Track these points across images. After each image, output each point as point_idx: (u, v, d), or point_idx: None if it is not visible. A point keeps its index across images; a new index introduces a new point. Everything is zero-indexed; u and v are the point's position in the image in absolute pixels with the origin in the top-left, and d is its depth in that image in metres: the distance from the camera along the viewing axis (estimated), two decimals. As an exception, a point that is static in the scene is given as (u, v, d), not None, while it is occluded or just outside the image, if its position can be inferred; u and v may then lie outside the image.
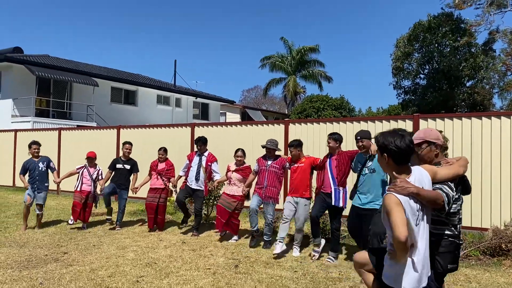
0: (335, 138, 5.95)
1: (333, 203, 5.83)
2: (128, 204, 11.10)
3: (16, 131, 15.41)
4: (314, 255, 6.03)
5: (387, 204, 2.51)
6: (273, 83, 39.56)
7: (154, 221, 7.95)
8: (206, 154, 7.63)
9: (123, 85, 25.73)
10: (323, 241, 6.14)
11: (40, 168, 8.07)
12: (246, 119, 33.99)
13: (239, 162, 7.20)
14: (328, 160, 5.98)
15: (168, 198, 8.11)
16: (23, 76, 20.58)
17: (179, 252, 6.39)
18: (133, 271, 5.36)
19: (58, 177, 8.43)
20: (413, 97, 29.45)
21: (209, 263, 5.78)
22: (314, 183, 6.33)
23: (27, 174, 8.11)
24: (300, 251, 6.35)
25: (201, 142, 7.60)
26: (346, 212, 5.95)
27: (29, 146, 8.20)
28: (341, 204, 5.86)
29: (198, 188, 7.50)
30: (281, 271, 5.43)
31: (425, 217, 2.65)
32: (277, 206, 7.93)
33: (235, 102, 35.35)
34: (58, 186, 8.39)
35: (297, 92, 43.40)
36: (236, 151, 7.27)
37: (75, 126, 17.29)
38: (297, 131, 9.40)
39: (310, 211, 6.18)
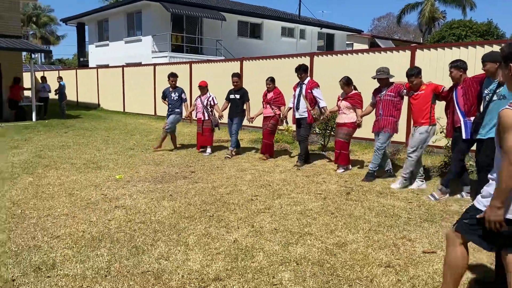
0: (458, 65, 5.29)
1: (464, 137, 5.28)
2: (249, 133, 11.71)
3: (154, 65, 16.98)
4: (436, 197, 5.42)
5: (505, 121, 2.18)
6: (407, 9, 36.18)
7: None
8: (306, 81, 7.49)
9: (249, 18, 26.09)
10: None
11: (172, 97, 9.00)
12: (374, 50, 32.05)
13: (345, 90, 6.96)
14: (453, 91, 5.39)
15: (278, 125, 8.18)
16: (159, 13, 22.19)
17: (293, 177, 6.62)
18: (249, 190, 5.75)
19: (187, 108, 9.21)
20: None
21: (321, 188, 5.90)
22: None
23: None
24: (405, 185, 5.93)
25: (302, 70, 7.45)
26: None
27: (168, 78, 9.12)
28: (474, 136, 5.28)
29: (301, 116, 7.48)
30: (395, 201, 5.29)
31: None
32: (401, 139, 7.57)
33: (362, 31, 33.36)
34: (189, 118, 9.28)
35: (435, 18, 39.06)
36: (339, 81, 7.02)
37: (205, 60, 18.34)
38: (425, 58, 8.56)
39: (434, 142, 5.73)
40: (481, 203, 2.42)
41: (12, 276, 3.18)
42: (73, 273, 3.25)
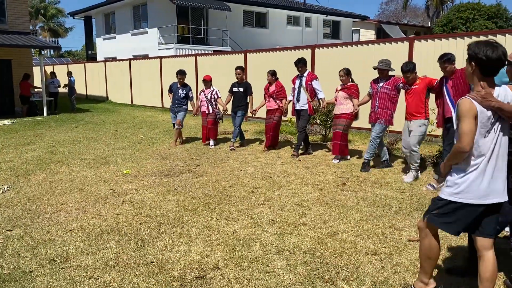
0: (450, 59, 5.44)
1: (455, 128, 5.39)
2: (254, 124, 11.97)
3: (160, 58, 17.22)
4: (434, 187, 5.64)
5: (461, 109, 2.49)
6: (414, -7, 35.75)
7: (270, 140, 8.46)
8: (305, 74, 7.71)
9: (254, 7, 26.13)
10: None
11: (179, 94, 9.17)
12: (382, 35, 31.90)
13: (343, 81, 7.15)
14: (444, 83, 5.54)
15: (282, 117, 8.39)
16: (164, 5, 22.36)
17: (294, 168, 6.88)
18: (251, 183, 6.03)
19: (193, 105, 9.40)
20: None
21: (319, 180, 6.15)
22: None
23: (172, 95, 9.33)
24: (417, 176, 6.05)
25: (302, 64, 7.69)
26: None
27: (176, 75, 9.25)
28: None
29: (301, 108, 7.73)
30: (388, 191, 5.53)
31: (498, 129, 2.53)
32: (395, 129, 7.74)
33: (368, 17, 33.17)
34: (197, 114, 9.45)
35: (444, 1, 38.59)
36: (339, 72, 7.21)
37: (212, 52, 18.52)
38: (422, 49, 8.70)
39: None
40: (446, 193, 2.67)
41: (30, 268, 3.51)
42: (85, 264, 3.56)
